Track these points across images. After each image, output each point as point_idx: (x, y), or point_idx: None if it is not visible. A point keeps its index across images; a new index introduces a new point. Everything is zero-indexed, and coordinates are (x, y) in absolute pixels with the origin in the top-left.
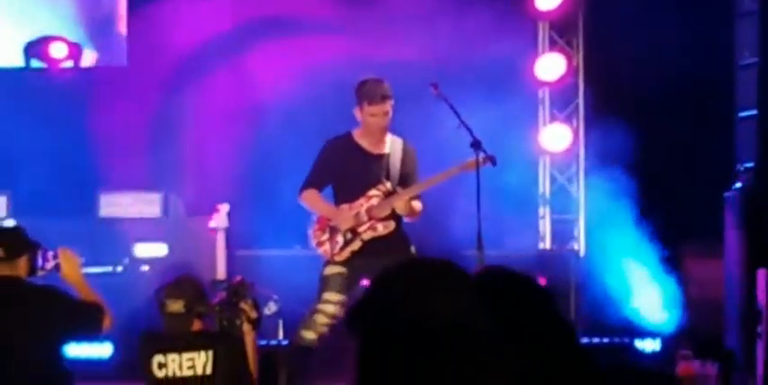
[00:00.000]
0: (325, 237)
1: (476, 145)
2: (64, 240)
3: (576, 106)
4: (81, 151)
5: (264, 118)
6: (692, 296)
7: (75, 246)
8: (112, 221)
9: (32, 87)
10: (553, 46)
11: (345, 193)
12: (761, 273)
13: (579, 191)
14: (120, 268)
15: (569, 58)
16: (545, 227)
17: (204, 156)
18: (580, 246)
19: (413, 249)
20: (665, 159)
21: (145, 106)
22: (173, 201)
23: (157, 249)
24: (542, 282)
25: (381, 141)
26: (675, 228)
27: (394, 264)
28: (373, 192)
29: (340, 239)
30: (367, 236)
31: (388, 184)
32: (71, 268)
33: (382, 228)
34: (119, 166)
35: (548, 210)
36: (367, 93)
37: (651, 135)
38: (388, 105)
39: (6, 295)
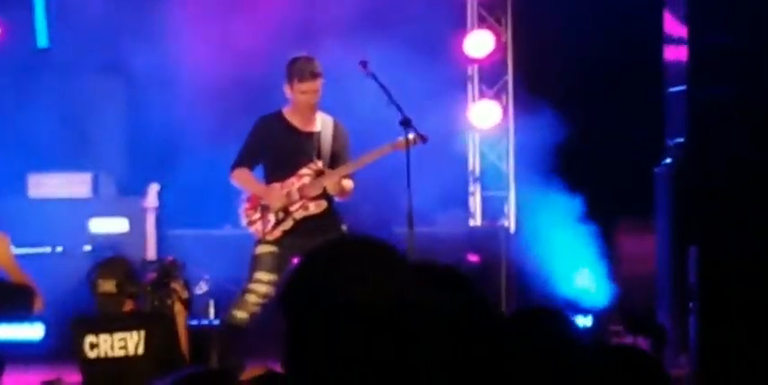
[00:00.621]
0: (257, 216)
1: (405, 123)
2: None
3: (506, 83)
4: (9, 131)
5: (194, 95)
6: (624, 272)
7: (5, 227)
8: (42, 202)
9: None
10: (482, 23)
11: (276, 172)
12: (693, 250)
13: (509, 167)
14: (59, 249)
15: (498, 35)
16: (475, 203)
17: (135, 136)
18: (510, 222)
19: (344, 228)
20: (595, 135)
21: (73, 85)
22: (103, 181)
23: (118, 225)
24: (474, 259)
25: (311, 119)
26: (607, 204)
27: (324, 243)
28: (304, 170)
29: (272, 218)
30: (299, 215)
31: (320, 163)
32: (1, 250)
33: (314, 208)
34: (48, 147)
35: (478, 186)
36: (298, 70)
37: (581, 111)
38: (318, 83)
39: None
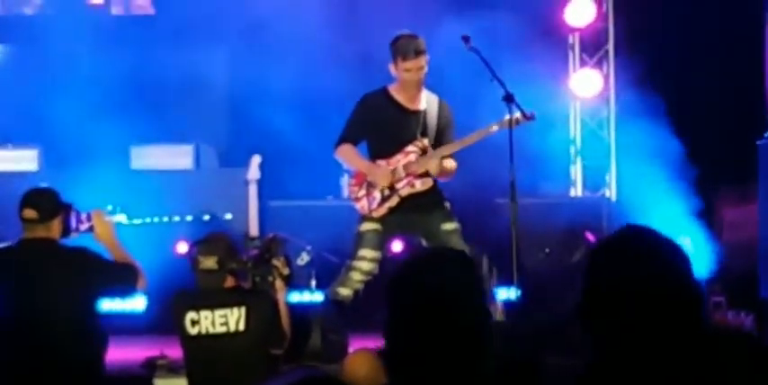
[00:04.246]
0: (363, 192)
1: (508, 99)
2: (96, 193)
3: (606, 52)
4: (112, 103)
5: (301, 69)
6: (726, 241)
7: (108, 198)
8: (144, 174)
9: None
10: None
11: (382, 149)
12: None
13: (610, 136)
14: (162, 219)
15: (599, 4)
16: (576, 173)
17: (238, 107)
18: (612, 191)
19: (447, 205)
20: (697, 105)
21: (176, 56)
22: (205, 152)
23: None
24: (591, 238)
25: (417, 97)
26: (708, 173)
27: (420, 255)
28: (410, 147)
29: (377, 195)
30: (405, 192)
31: (425, 141)
32: (105, 230)
33: (420, 185)
34: (152, 118)
35: (579, 156)
36: (401, 48)
37: (682, 80)
38: (423, 60)
39: (41, 257)
